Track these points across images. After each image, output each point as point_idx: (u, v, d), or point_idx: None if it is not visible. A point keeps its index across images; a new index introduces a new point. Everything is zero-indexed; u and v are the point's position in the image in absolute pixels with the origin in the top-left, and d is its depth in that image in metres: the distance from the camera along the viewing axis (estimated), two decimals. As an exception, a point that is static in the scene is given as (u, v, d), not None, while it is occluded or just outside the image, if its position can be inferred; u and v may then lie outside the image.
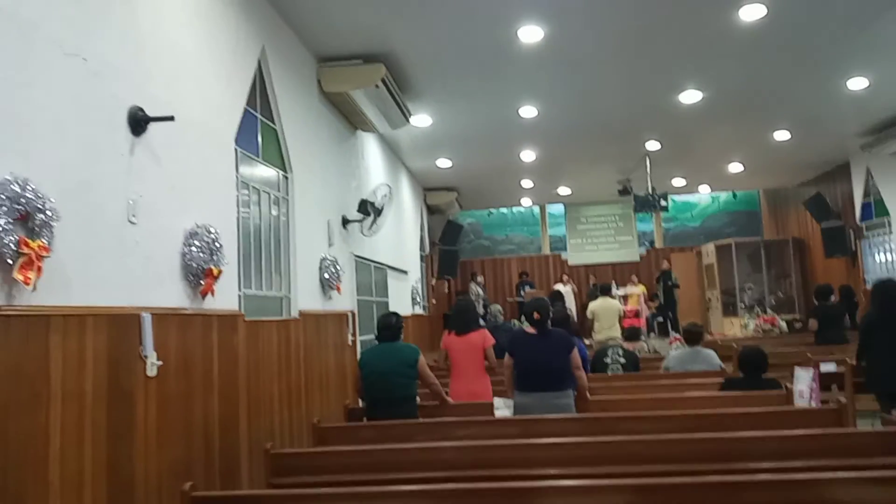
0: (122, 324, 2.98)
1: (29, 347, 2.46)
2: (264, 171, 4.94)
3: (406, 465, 3.28)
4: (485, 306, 12.15)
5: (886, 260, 11.33)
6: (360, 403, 4.77)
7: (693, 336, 6.08)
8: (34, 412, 2.46)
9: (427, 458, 3.33)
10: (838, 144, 10.81)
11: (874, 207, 11.49)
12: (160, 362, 3.18)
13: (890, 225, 10.98)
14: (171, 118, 3.31)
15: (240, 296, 4.28)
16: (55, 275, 2.61)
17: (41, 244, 2.47)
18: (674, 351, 6.65)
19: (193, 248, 3.56)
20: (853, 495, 2.35)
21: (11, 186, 2.36)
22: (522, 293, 14.34)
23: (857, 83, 7.57)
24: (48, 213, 2.50)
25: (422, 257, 11.95)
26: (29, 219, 2.45)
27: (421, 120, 8.00)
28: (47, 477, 2.49)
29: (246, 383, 4.19)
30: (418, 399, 4.61)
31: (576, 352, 4.37)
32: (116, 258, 3.02)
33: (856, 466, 2.77)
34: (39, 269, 2.48)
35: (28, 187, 2.42)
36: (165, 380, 3.26)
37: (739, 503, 2.38)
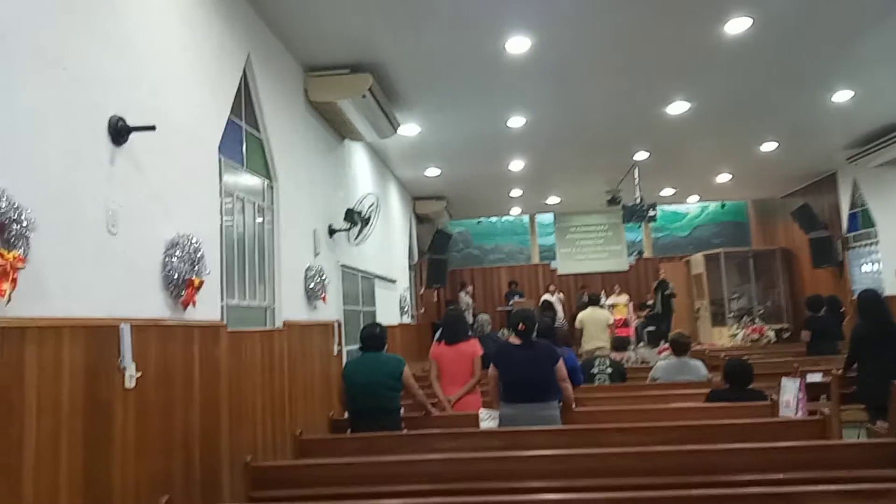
0: (100, 335, 2.94)
1: (3, 358, 2.42)
2: (249, 180, 4.92)
3: (389, 478, 3.25)
4: (473, 316, 12.14)
5: (872, 270, 11.41)
6: (346, 415, 4.73)
7: (680, 347, 6.09)
8: (7, 423, 2.42)
9: (411, 471, 3.31)
10: (825, 156, 10.90)
11: (860, 218, 11.59)
12: (139, 374, 3.13)
13: (876, 235, 11.07)
14: (153, 128, 3.28)
15: (223, 306, 4.24)
16: (32, 285, 2.57)
17: (16, 255, 2.43)
18: (661, 361, 6.65)
19: (174, 259, 3.53)
20: (833, 510, 2.34)
21: (-14, 196, 2.33)
22: (511, 303, 14.34)
23: (843, 96, 7.64)
24: (24, 222, 2.46)
25: (410, 266, 11.92)
26: (4, 229, 2.41)
27: (409, 129, 8.00)
28: (21, 490, 2.45)
29: (228, 395, 4.15)
30: (402, 410, 4.58)
31: (561, 363, 4.35)
32: (96, 268, 2.98)
33: (838, 479, 2.76)
34: (14, 280, 2.43)
35: (3, 197, 2.38)
36: (144, 391, 3.22)
37: (721, 517, 2.36)
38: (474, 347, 5.22)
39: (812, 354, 7.74)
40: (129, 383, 3.09)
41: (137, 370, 3.13)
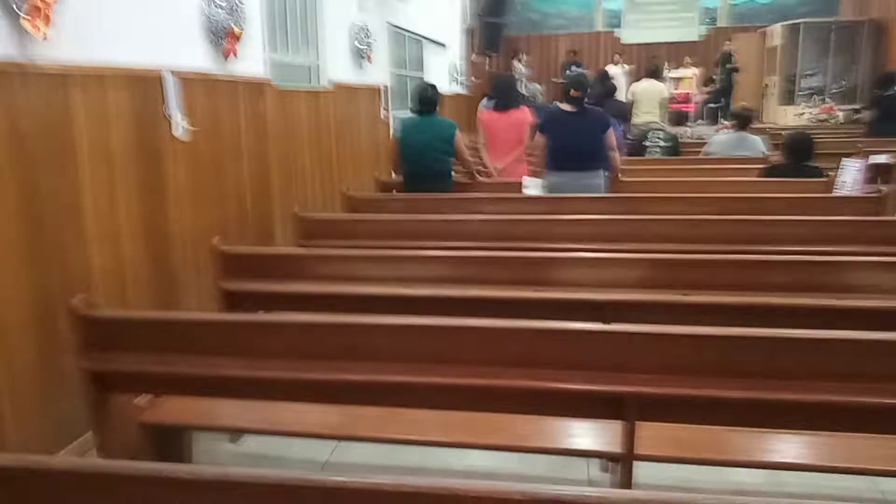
0: (143, 83, 2.92)
1: (50, 104, 2.44)
2: (288, -78, 4.51)
3: (432, 233, 3.34)
4: (525, 86, 11.70)
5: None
6: (394, 176, 4.77)
7: (741, 120, 5.78)
8: (63, 167, 2.51)
9: (452, 230, 3.39)
10: None
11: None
12: (185, 123, 3.16)
13: None
14: None
15: (265, 60, 4.13)
16: (69, 29, 2.50)
17: (47, -11, 2.34)
18: (718, 136, 6.39)
19: (213, 5, 3.37)
20: (871, 279, 2.32)
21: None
22: (568, 73, 13.71)
23: None
24: (51, -45, 2.34)
25: (463, 30, 11.30)
26: (30, -38, 2.29)
27: None
28: (84, 227, 2.61)
29: (276, 152, 4.20)
30: (454, 175, 4.59)
31: (611, 131, 4.20)
32: (133, 13, 2.88)
33: (883, 253, 2.72)
34: (48, 17, 2.37)
35: (25, -75, 2.23)
36: (193, 142, 3.27)
37: (756, 282, 2.38)
38: (526, 115, 5.02)
39: (872, 135, 7.34)
40: (177, 131, 3.13)
41: (183, 119, 3.16)
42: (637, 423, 1.74)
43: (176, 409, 2.12)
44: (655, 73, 9.62)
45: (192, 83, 3.25)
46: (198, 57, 3.36)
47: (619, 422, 1.74)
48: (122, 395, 2.00)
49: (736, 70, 13.09)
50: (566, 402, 1.72)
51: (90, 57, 2.62)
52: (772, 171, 4.54)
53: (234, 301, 2.60)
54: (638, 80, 13.80)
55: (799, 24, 13.26)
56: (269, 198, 4.12)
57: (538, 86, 7.31)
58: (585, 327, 1.72)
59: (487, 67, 13.42)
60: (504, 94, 5.08)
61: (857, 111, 12.24)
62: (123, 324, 1.89)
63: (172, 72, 3.07)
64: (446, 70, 9.69)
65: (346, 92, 5.38)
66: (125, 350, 1.86)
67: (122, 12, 2.81)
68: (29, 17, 2.29)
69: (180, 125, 3.13)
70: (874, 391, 1.61)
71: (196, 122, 3.28)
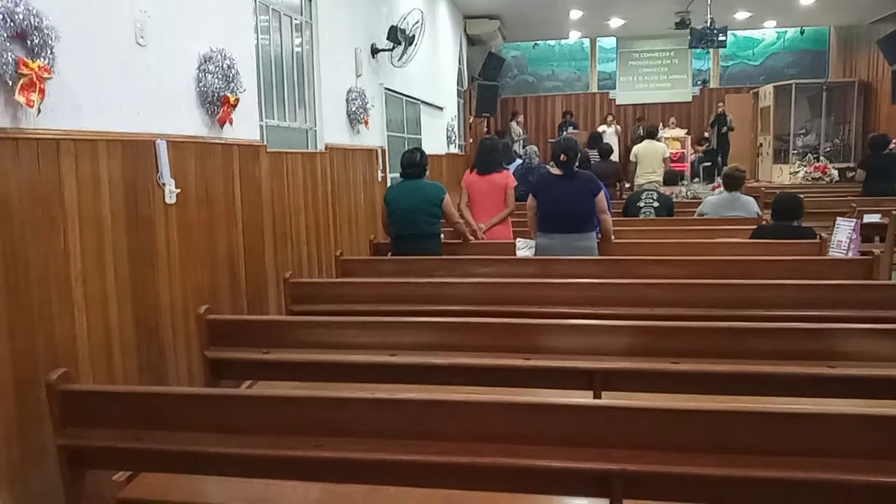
0: (136, 150, 2.96)
1: (41, 171, 2.47)
2: (286, -6, 4.66)
3: (423, 297, 3.34)
4: (524, 146, 11.88)
5: (959, 107, 10.54)
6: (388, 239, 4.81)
7: (733, 181, 5.85)
8: (52, 235, 2.52)
9: (444, 293, 3.38)
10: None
11: (956, 48, 10.50)
12: (178, 190, 3.19)
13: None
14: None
15: (262, 126, 4.20)
16: (62, 99, 2.55)
17: (41, 65, 2.40)
18: (711, 196, 6.45)
19: (208, 74, 3.45)
20: (862, 346, 2.30)
21: (3, 2, 2.25)
22: (565, 133, 13.94)
23: None
24: (45, 31, 2.40)
25: (459, 93, 11.55)
26: (26, 37, 2.36)
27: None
28: (71, 295, 2.60)
29: (271, 215, 4.23)
30: (442, 237, 4.62)
31: (602, 195, 4.25)
32: (127, 82, 2.94)
33: (875, 319, 2.70)
34: (42, 90, 2.42)
35: (20, 3, 2.30)
36: (186, 208, 3.29)
37: (745, 350, 2.36)
38: (507, 178, 5.11)
39: (866, 194, 7.47)
40: (170, 199, 3.16)
41: (177, 186, 3.19)
42: (624, 500, 1.70)
43: (155, 486, 2.07)
44: (653, 134, 9.80)
45: (186, 148, 3.30)
46: (193, 123, 3.42)
47: (605, 500, 1.69)
48: (100, 471, 1.95)
49: (731, 130, 13.34)
50: (550, 480, 1.68)
51: (83, 125, 2.66)
52: (762, 232, 4.56)
53: (219, 370, 2.57)
54: (629, 140, 14.06)
55: (790, 84, 13.56)
56: (262, 262, 4.13)
57: (535, 147, 7.41)
58: (569, 402, 1.70)
59: (486, 129, 13.67)
60: (484, 158, 5.17)
61: (850, 169, 12.41)
62: (101, 398, 1.87)
63: (166, 138, 3.12)
64: (444, 132, 9.86)
65: (343, 154, 5.46)
66: (103, 426, 1.83)
67: (117, 83, 2.87)
68: (23, 91, 2.34)
69: (174, 193, 3.16)
70: (867, 469, 1.57)
71: (189, 187, 3.31)
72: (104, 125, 2.78)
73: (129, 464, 1.96)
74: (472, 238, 4.74)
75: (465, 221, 5.05)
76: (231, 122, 3.64)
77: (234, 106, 3.62)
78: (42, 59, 2.40)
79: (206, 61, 3.45)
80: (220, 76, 3.49)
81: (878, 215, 6.04)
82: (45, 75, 2.42)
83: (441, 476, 1.70)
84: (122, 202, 2.87)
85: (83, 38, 2.67)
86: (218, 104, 3.51)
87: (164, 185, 3.12)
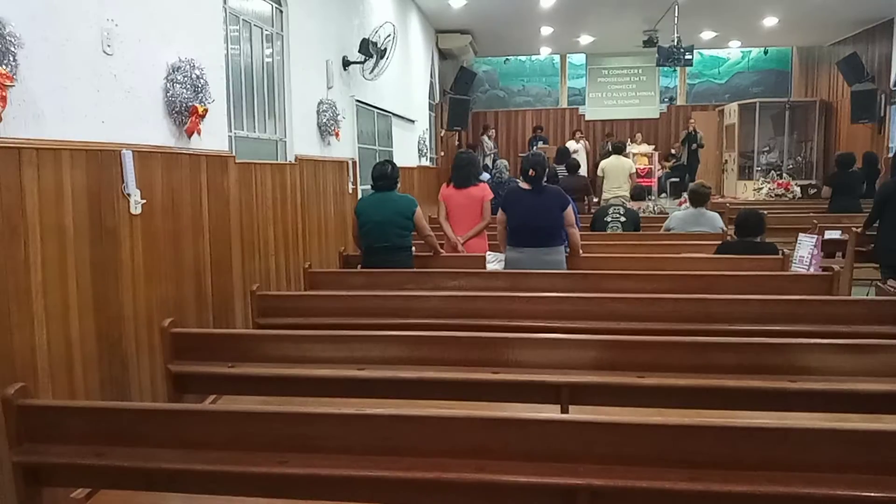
0: (101, 159, 2.91)
1: (1, 180, 2.41)
2: (256, 4, 4.64)
3: (392, 311, 3.33)
4: (493, 161, 11.96)
5: (914, 128, 10.89)
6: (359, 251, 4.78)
7: (698, 197, 5.95)
8: (13, 245, 2.46)
9: (413, 306, 3.37)
10: (884, -1, 10.02)
11: (911, 70, 10.86)
12: (144, 200, 3.14)
13: (925, 91, 10.44)
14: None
15: (231, 137, 4.17)
16: (25, 107, 2.50)
17: (3, 72, 2.35)
18: (677, 212, 6.56)
19: (177, 84, 3.41)
20: (822, 361, 2.35)
21: (-37, 8, 2.21)
22: (535, 148, 14.06)
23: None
24: (8, 38, 2.36)
25: (431, 106, 11.60)
26: (-13, 44, 2.31)
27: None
28: (31, 307, 2.54)
29: (239, 226, 4.19)
30: (413, 249, 4.62)
31: (570, 209, 4.29)
32: (93, 91, 2.89)
33: (837, 334, 2.77)
34: (4, 98, 2.37)
35: (-19, 9, 2.26)
36: (151, 218, 3.25)
37: (709, 364, 2.39)
38: (484, 192, 5.15)
39: (832, 211, 7.66)
40: (135, 209, 3.11)
41: (143, 197, 3.14)
42: (591, 515, 1.70)
43: (115, 503, 2.02)
44: (620, 150, 9.93)
45: (153, 158, 3.25)
46: (160, 133, 3.37)
47: (572, 515, 1.70)
48: (57, 489, 1.90)
49: (702, 146, 13.62)
50: (516, 495, 1.68)
51: (47, 134, 2.61)
52: (727, 247, 4.65)
53: (183, 384, 2.53)
54: (597, 155, 14.25)
55: (754, 103, 13.89)
56: (229, 274, 4.08)
57: (505, 161, 7.47)
58: (535, 416, 1.70)
59: (457, 143, 13.73)
60: (460, 172, 5.20)
61: (812, 186, 12.72)
62: (60, 413, 1.83)
63: (132, 148, 3.07)
64: (415, 145, 9.88)
65: (313, 165, 5.43)
66: (62, 441, 1.79)
67: (82, 91, 2.82)
68: (-16, 99, 2.29)
69: (140, 203, 3.11)
70: (829, 482, 1.60)
71: (156, 197, 3.26)
72: (68, 134, 2.73)
73: (88, 480, 1.91)
74: (442, 252, 4.75)
75: (445, 235, 5.07)
76: (199, 133, 3.60)
77: (203, 116, 3.58)
78: (4, 67, 2.35)
79: (174, 71, 3.41)
80: (189, 86, 3.45)
81: (839, 232, 6.20)
82: (7, 83, 2.37)
83: (408, 491, 1.69)
84: (86, 212, 2.82)
85: (48, 46, 2.62)
86: (186, 114, 3.47)
87: (129, 195, 3.07)
